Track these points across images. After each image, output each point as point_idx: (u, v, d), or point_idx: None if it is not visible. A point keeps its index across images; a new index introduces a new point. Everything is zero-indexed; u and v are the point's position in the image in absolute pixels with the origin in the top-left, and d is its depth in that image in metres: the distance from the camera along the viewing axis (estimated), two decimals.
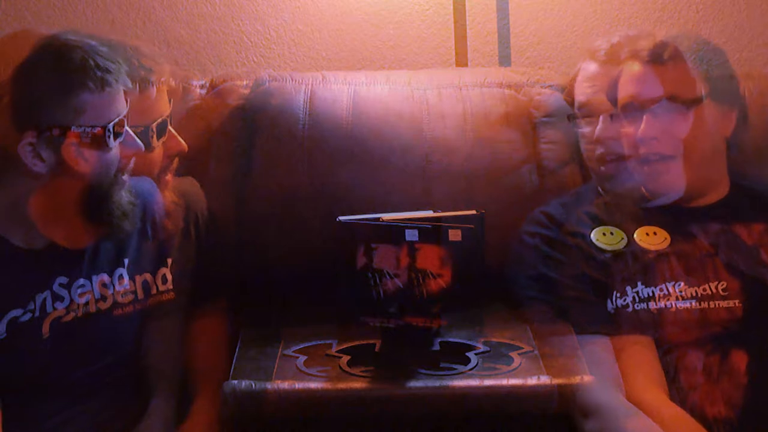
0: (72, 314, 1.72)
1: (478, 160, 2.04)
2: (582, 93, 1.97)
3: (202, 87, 2.18)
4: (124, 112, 1.68)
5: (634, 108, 1.82)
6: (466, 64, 2.40)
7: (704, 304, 1.76)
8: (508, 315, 1.89)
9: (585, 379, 1.62)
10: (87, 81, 1.61)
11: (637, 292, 1.79)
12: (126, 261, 1.79)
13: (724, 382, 1.73)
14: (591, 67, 1.95)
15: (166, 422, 1.79)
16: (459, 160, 2.04)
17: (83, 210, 1.70)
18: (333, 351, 1.75)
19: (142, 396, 1.80)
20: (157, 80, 1.84)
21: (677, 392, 1.74)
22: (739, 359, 1.74)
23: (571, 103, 2.03)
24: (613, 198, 1.91)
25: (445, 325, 1.72)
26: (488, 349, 1.75)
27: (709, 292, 1.77)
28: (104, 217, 1.70)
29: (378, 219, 1.70)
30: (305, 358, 1.73)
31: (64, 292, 1.72)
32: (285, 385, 1.63)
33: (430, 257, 1.67)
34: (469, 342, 1.76)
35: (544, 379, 1.62)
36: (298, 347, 1.77)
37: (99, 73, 1.62)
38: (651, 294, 1.78)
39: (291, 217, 2.02)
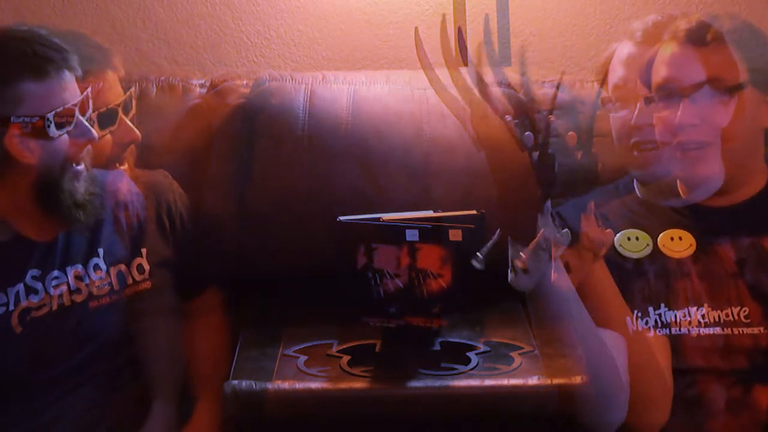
0: (46, 308, 1.71)
1: (478, 160, 2.04)
2: (616, 75, 1.88)
3: (201, 86, 2.18)
4: (73, 101, 1.65)
5: (672, 92, 1.70)
6: (466, 64, 2.39)
7: (727, 330, 1.68)
8: (508, 315, 1.89)
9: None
10: (24, 70, 1.60)
11: (660, 315, 1.71)
12: (101, 251, 1.78)
13: (744, 417, 1.66)
14: (626, 48, 1.85)
15: (168, 425, 1.79)
16: (459, 160, 2.03)
17: (37, 202, 1.68)
18: (333, 351, 1.75)
19: (143, 399, 1.80)
20: (104, 69, 1.82)
21: (695, 422, 1.68)
22: (762, 396, 1.67)
23: (602, 86, 1.96)
24: (644, 193, 1.83)
25: (445, 325, 1.72)
26: (488, 349, 1.75)
27: (732, 318, 1.69)
28: (56, 208, 1.68)
29: (378, 219, 1.70)
30: (306, 358, 1.73)
31: (38, 285, 1.70)
32: (285, 385, 1.63)
33: (430, 257, 1.67)
34: (469, 342, 1.76)
35: (544, 379, 1.62)
36: (298, 347, 1.77)
37: (37, 62, 1.60)
38: (674, 319, 1.70)
39: (291, 217, 2.02)
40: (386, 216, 1.70)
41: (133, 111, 1.90)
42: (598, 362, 1.63)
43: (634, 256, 1.75)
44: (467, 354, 1.72)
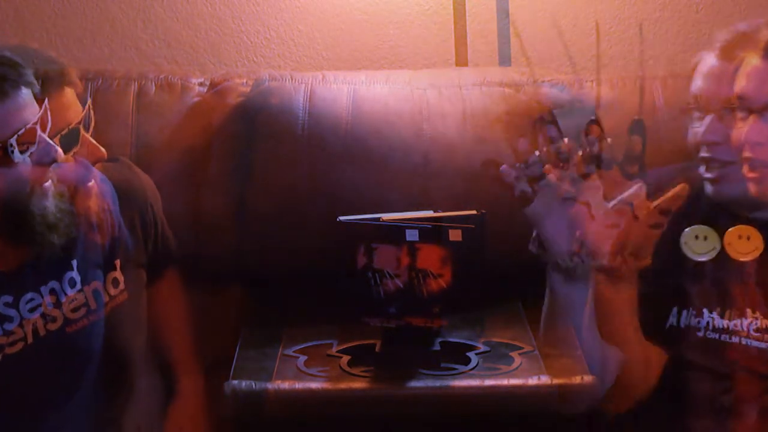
0: (20, 343, 1.62)
1: (479, 160, 2.04)
2: (696, 86, 1.76)
3: (201, 85, 2.17)
4: (34, 119, 1.50)
5: (744, 108, 1.63)
6: (466, 64, 2.40)
7: None
8: (508, 315, 1.89)
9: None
10: None
11: (713, 319, 1.68)
12: (74, 263, 1.68)
13: None
14: (708, 58, 1.74)
15: (156, 401, 1.77)
16: (459, 160, 2.03)
17: (3, 232, 1.57)
18: (333, 351, 1.75)
19: (128, 380, 1.77)
20: (61, 86, 1.62)
21: (725, 427, 1.66)
22: None
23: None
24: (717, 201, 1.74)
25: (445, 325, 1.72)
26: (488, 349, 1.75)
27: None
28: (27, 235, 1.56)
29: (378, 219, 1.70)
30: (305, 358, 1.73)
31: (11, 311, 1.61)
32: (285, 385, 1.63)
33: (430, 257, 1.67)
34: (469, 342, 1.76)
35: (544, 379, 1.62)
36: (298, 347, 1.77)
37: None
38: (726, 326, 1.67)
39: (291, 217, 2.02)
40: (386, 216, 1.70)
41: (93, 124, 1.70)
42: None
43: (699, 258, 1.70)
44: (467, 354, 1.72)
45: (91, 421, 1.72)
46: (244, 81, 2.15)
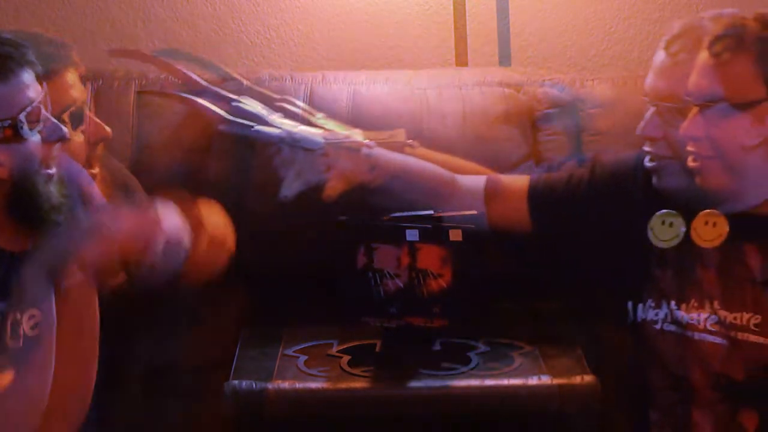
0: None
1: (478, 159, 2.04)
2: (647, 80, 1.75)
3: None
4: (39, 98, 1.52)
5: (689, 102, 1.60)
6: (466, 64, 2.40)
7: (733, 334, 1.63)
8: (508, 315, 1.89)
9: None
10: None
11: (672, 311, 1.66)
12: None
13: None
14: (659, 53, 1.72)
15: None
16: None
17: (12, 211, 1.56)
18: (334, 351, 1.75)
19: None
20: (65, 66, 1.68)
21: None
22: (749, 422, 1.62)
23: None
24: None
25: (445, 325, 1.72)
26: (488, 349, 1.75)
27: (740, 323, 1.63)
28: (34, 214, 1.55)
29: (378, 219, 1.70)
30: (306, 358, 1.73)
31: None
32: (285, 385, 1.63)
33: (430, 257, 1.67)
34: (469, 342, 1.76)
35: (545, 379, 1.63)
36: (298, 347, 1.77)
37: None
38: (682, 319, 1.65)
39: (291, 217, 2.02)
40: (386, 216, 1.70)
41: (92, 108, 1.77)
42: None
43: (662, 245, 1.69)
44: (467, 354, 1.72)
45: None
46: (244, 81, 2.15)
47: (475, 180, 1.80)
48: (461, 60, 2.39)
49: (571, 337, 1.81)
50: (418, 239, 1.67)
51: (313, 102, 2.08)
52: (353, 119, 2.06)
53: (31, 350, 1.50)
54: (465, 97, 2.11)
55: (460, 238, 1.67)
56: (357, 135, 1.74)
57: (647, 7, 2.46)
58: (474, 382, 1.63)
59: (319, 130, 1.72)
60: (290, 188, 1.70)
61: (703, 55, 1.59)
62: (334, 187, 1.70)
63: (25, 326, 1.52)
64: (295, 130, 1.71)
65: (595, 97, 2.14)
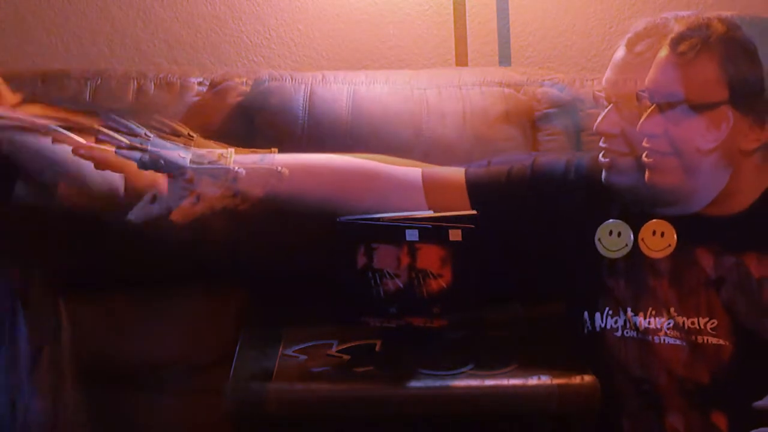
0: None
1: (478, 159, 2.04)
2: (605, 75, 1.74)
3: (200, 84, 2.17)
4: None
5: (647, 99, 1.60)
6: (466, 64, 2.40)
7: (692, 338, 1.63)
8: (508, 315, 1.89)
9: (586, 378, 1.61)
10: None
11: (630, 318, 1.67)
12: None
13: None
14: (620, 49, 1.72)
15: None
16: (458, 160, 2.03)
17: None
18: (333, 351, 1.75)
19: None
20: None
21: None
22: (720, 423, 1.62)
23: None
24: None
25: (445, 325, 1.72)
26: (488, 348, 1.74)
27: (698, 327, 1.63)
28: None
29: (378, 219, 1.70)
30: (306, 358, 1.73)
31: None
32: (285, 385, 1.63)
33: (430, 257, 1.67)
34: (469, 342, 1.76)
35: (545, 379, 1.62)
36: (298, 347, 1.77)
37: None
38: (641, 325, 1.66)
39: (291, 216, 2.02)
40: (386, 216, 1.70)
41: None
42: None
43: (611, 255, 1.70)
44: (467, 354, 1.71)
45: None
46: (244, 81, 2.15)
47: (409, 172, 1.80)
48: (461, 60, 2.40)
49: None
50: (417, 239, 1.67)
51: (313, 102, 2.08)
52: (353, 119, 2.06)
53: None
54: (465, 97, 2.11)
55: (460, 238, 1.67)
56: (230, 156, 1.67)
57: (647, 8, 2.46)
58: (474, 382, 1.63)
59: (188, 153, 1.65)
60: (140, 212, 1.63)
61: (664, 52, 1.59)
62: (187, 212, 1.65)
63: None
64: (162, 152, 1.63)
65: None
